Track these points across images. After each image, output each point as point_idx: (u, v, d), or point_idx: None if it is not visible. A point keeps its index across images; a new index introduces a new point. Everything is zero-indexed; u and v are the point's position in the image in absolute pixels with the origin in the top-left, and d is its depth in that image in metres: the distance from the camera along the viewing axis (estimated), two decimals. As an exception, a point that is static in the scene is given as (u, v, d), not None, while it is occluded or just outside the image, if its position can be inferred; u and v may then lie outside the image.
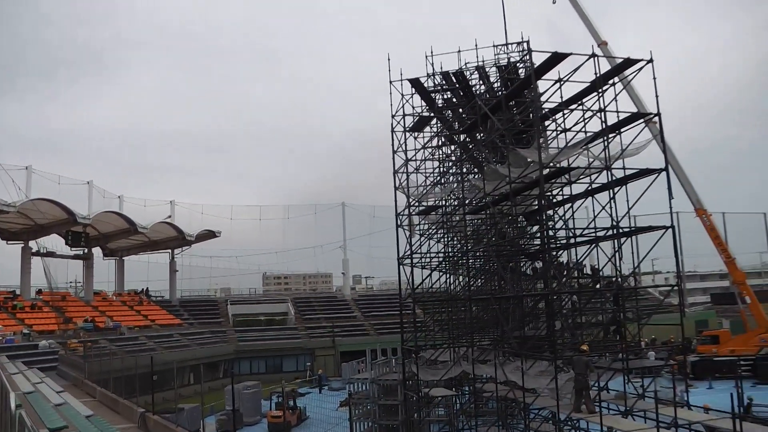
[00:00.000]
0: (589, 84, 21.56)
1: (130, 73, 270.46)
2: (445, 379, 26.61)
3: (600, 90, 21.09)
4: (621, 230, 21.31)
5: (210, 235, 68.93)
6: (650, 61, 20.91)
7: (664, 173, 20.69)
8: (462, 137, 31.14)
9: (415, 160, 30.86)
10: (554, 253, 26.94)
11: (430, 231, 32.96)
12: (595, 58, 20.64)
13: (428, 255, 31.67)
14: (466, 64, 30.87)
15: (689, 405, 22.45)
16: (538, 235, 28.38)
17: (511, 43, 32.10)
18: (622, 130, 22.19)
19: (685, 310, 73.52)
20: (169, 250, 69.86)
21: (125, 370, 28.12)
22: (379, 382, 27.58)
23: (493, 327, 28.96)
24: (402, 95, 29.76)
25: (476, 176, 29.76)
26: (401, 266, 29.51)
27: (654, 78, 20.93)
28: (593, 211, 23.19)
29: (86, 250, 59.63)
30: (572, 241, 25.08)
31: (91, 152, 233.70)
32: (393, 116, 29.83)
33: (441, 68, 30.29)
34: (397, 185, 30.03)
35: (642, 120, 22.31)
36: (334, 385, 51.22)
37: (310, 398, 44.68)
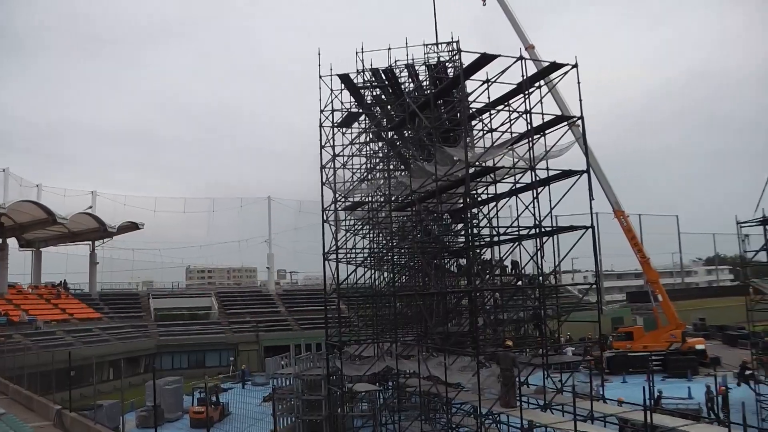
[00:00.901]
0: (515, 86, 21.97)
1: (49, 60, 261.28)
2: (368, 375, 26.71)
3: (526, 92, 21.48)
4: (543, 229, 21.77)
5: (133, 227, 67.15)
6: (575, 66, 21.40)
7: (585, 175, 21.27)
8: (390, 134, 31.28)
9: (343, 155, 30.83)
10: (478, 250, 27.38)
11: (356, 227, 33.03)
12: (523, 60, 20.99)
13: (354, 251, 31.70)
14: (396, 61, 31.06)
15: (605, 398, 23.13)
16: (463, 232, 28.74)
17: (441, 43, 32.47)
18: (546, 131, 22.69)
19: (602, 307, 75.92)
20: (90, 242, 67.69)
21: (41, 366, 27.18)
22: (302, 378, 27.46)
23: (417, 323, 29.22)
24: (331, 90, 29.67)
25: (403, 173, 29.95)
26: (326, 261, 29.44)
27: (578, 82, 21.42)
28: (517, 210, 23.68)
29: (0, 241, 57.35)
30: (496, 239, 25.55)
31: (6, 140, 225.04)
32: (322, 111, 29.71)
33: (371, 65, 30.40)
34: (324, 180, 29.93)
35: (565, 123, 22.84)
36: (257, 380, 50.70)
37: (233, 393, 44.05)
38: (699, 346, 48.61)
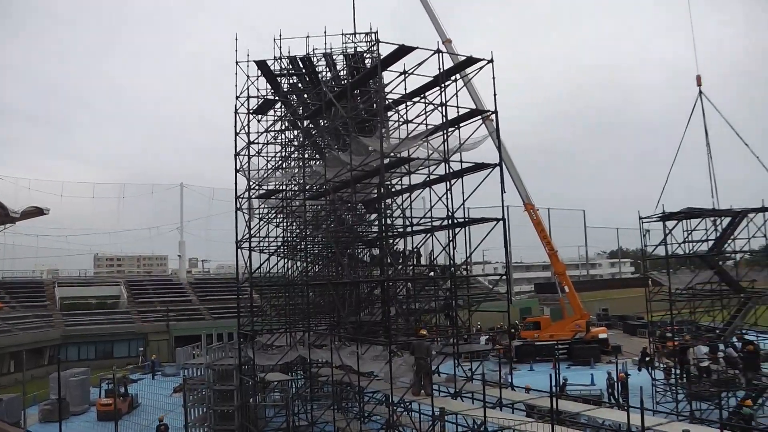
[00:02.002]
0: (432, 78, 22.17)
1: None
2: (281, 364, 26.59)
3: (442, 85, 21.70)
4: (455, 221, 22.10)
5: (37, 212, 64.28)
6: (490, 61, 21.72)
7: (497, 168, 21.69)
8: (306, 123, 31.09)
9: (258, 143, 30.44)
10: (391, 241, 27.59)
11: (270, 215, 32.72)
12: (440, 54, 21.18)
13: (267, 239, 31.43)
14: (314, 50, 30.84)
15: (513, 386, 23.82)
16: (377, 223, 28.89)
17: (360, 33, 32.41)
18: (461, 125, 23.01)
19: (511, 298, 77.79)
20: (-12, 227, 64.66)
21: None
22: (214, 367, 27.03)
23: (330, 312, 29.25)
24: (248, 77, 29.22)
25: (318, 162, 29.84)
26: (239, 250, 29.10)
27: (493, 77, 21.79)
28: (430, 201, 23.96)
29: None
30: (409, 229, 25.80)
31: None
32: (237, 98, 29.24)
33: (289, 53, 30.11)
34: (238, 168, 29.51)
35: (480, 116, 23.21)
36: (167, 370, 49.62)
37: (143, 385, 43.07)
38: (602, 335, 50.55)
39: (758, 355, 28.51)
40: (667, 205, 29.45)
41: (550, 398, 15.92)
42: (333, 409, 23.69)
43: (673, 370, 30.46)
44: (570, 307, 51.83)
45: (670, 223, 30.39)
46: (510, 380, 25.06)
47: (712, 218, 30.81)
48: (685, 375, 29.10)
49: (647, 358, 34.29)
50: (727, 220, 30.32)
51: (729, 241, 30.69)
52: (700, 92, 30.42)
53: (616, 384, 31.09)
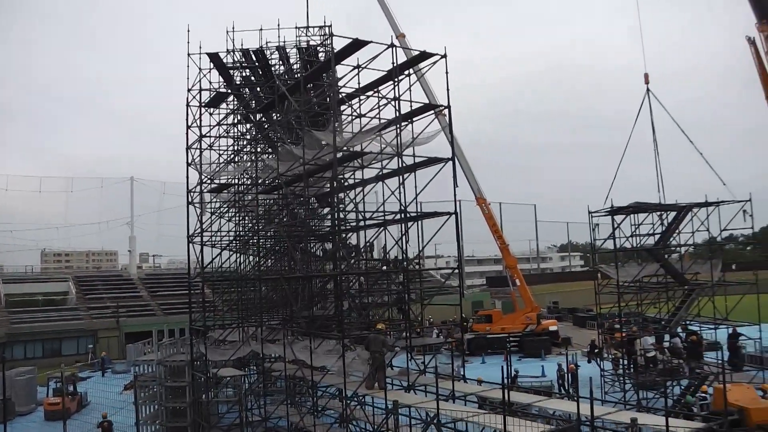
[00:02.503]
0: (385, 73, 22.20)
1: None
2: (233, 359, 26.41)
3: (395, 79, 21.76)
4: (408, 215, 22.21)
5: (-24, 206, 62.70)
6: (444, 56, 21.83)
7: (450, 162, 21.86)
8: (258, 116, 30.88)
9: (210, 136, 30.15)
10: (344, 235, 27.59)
11: (222, 209, 32.43)
12: (393, 48, 21.20)
13: (219, 234, 31.15)
14: (267, 43, 30.63)
15: (465, 378, 24.03)
16: (329, 217, 28.87)
17: (314, 27, 32.26)
18: (414, 119, 23.11)
19: (463, 291, 78.41)
20: (-74, 222, 62.68)
21: None
22: (165, 364, 26.72)
23: (283, 307, 29.15)
24: (200, 69, 28.92)
25: (270, 156, 29.67)
26: (191, 244, 28.80)
27: (446, 72, 21.91)
28: (383, 195, 24.03)
29: None
30: (362, 224, 25.83)
31: None
32: (189, 90, 28.91)
33: (242, 45, 29.86)
34: (189, 161, 29.18)
35: (432, 111, 23.34)
36: (118, 367, 48.73)
37: (92, 383, 42.27)
38: (552, 328, 51.45)
39: (701, 344, 29.36)
40: (617, 200, 30.15)
41: (502, 390, 16.13)
42: (286, 404, 23.57)
43: (620, 360, 31.14)
44: (521, 300, 52.57)
45: (618, 218, 31.06)
46: (462, 373, 25.28)
47: (658, 213, 31.54)
48: (632, 365, 29.78)
49: (596, 350, 34.98)
50: (672, 215, 31.07)
51: (674, 234, 31.48)
52: (648, 90, 31.06)
53: (566, 375, 31.65)
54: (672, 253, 34.00)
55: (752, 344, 33.20)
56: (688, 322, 31.88)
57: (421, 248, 23.23)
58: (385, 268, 26.82)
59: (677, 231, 31.37)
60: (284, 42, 31.06)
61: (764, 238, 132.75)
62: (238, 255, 32.83)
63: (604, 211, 30.31)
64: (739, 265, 58.91)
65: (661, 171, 30.61)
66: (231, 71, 30.28)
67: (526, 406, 19.05)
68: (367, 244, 27.68)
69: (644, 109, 31.79)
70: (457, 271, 24.98)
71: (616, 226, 30.63)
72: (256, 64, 29.70)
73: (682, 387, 27.58)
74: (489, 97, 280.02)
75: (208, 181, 30.16)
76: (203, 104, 29.44)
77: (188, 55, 28.75)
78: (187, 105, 28.91)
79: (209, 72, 29.43)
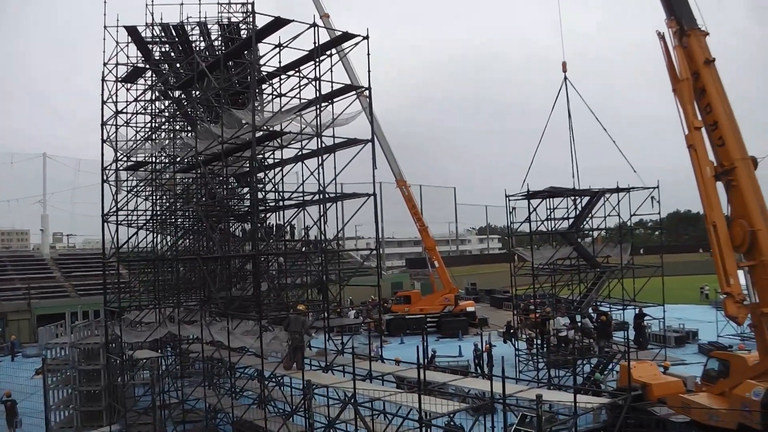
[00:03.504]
0: (307, 53, 22.06)
1: None
2: (150, 341, 25.99)
3: (317, 59, 21.65)
4: (327, 196, 22.22)
5: None
6: (366, 37, 21.81)
7: (369, 144, 21.96)
8: (178, 93, 30.21)
9: (126, 113, 29.32)
10: (263, 215, 27.39)
11: (139, 188, 31.67)
12: (316, 28, 21.06)
13: (135, 213, 30.41)
14: (188, 18, 29.87)
15: (383, 359, 24.34)
16: (248, 196, 28.60)
17: (236, 3, 31.65)
18: (334, 100, 23.07)
19: (382, 272, 79.05)
20: None
21: None
22: (79, 347, 26.03)
23: (201, 287, 28.80)
24: (117, 43, 28.03)
25: (189, 134, 29.13)
26: (106, 224, 28.07)
27: (368, 54, 21.92)
28: (302, 175, 23.97)
29: None
30: (281, 204, 25.69)
31: None
32: (105, 64, 28.04)
33: (162, 20, 29.08)
34: (104, 138, 28.35)
35: (354, 92, 23.35)
36: (29, 351, 47.02)
37: (1, 367, 40.79)
38: (469, 309, 52.40)
39: (610, 324, 30.58)
40: (543, 185, 30.89)
41: (417, 370, 16.43)
42: (204, 386, 23.40)
43: (534, 340, 32.10)
44: (439, 281, 53.35)
45: (534, 202, 31.91)
46: (380, 353, 25.58)
47: (572, 197, 32.54)
48: (545, 345, 30.75)
49: (512, 330, 35.91)
50: (586, 200, 32.12)
51: (587, 219, 32.57)
52: (565, 78, 31.82)
53: (482, 355, 32.39)
54: (585, 237, 35.15)
55: (657, 324, 34.74)
56: (598, 303, 33.08)
57: (339, 229, 23.32)
58: (304, 249, 26.82)
59: (590, 215, 32.47)
60: (206, 18, 30.38)
61: (671, 224, 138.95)
62: (155, 235, 32.17)
63: (521, 195, 31.05)
64: (648, 250, 61.22)
65: (576, 157, 31.46)
66: (150, 46, 29.46)
67: (442, 385, 19.48)
68: (286, 224, 27.59)
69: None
70: (375, 252, 25.16)
71: (532, 209, 31.47)
72: (176, 39, 29.01)
73: (592, 365, 28.69)
74: (413, 81, 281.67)
75: (125, 159, 29.39)
76: (119, 79, 28.60)
77: (104, 27, 27.84)
78: (103, 79, 28.07)
79: (126, 46, 28.59)
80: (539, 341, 31.34)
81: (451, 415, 16.67)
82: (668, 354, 31.59)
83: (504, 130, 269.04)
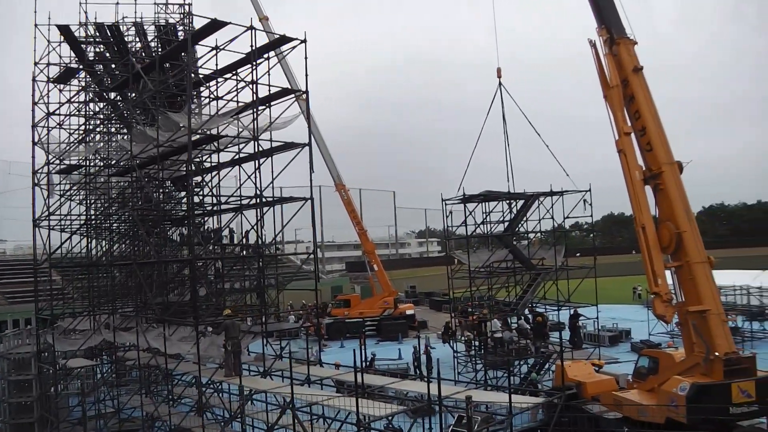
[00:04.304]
0: (244, 56, 21.94)
1: None
2: (84, 349, 25.43)
3: (254, 62, 21.55)
4: (264, 200, 22.15)
5: None
6: (303, 41, 21.85)
7: (307, 148, 21.97)
8: (112, 95, 29.65)
9: (59, 114, 28.64)
10: (200, 219, 27.11)
11: (72, 192, 30.96)
12: (253, 30, 20.95)
13: (69, 217, 29.73)
14: (123, 18, 29.35)
15: (321, 363, 24.36)
16: (185, 200, 28.27)
17: (173, 4, 31.20)
18: (272, 103, 22.99)
19: (322, 276, 78.86)
20: None
21: None
22: (9, 357, 25.29)
23: (137, 293, 28.34)
24: (48, 42, 27.36)
25: (124, 137, 28.63)
26: (37, 229, 27.37)
27: (305, 58, 21.94)
28: (239, 179, 23.82)
29: None
30: (217, 208, 25.48)
31: None
32: (36, 64, 27.35)
33: (96, 19, 28.49)
34: (36, 140, 27.65)
35: (293, 96, 23.28)
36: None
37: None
38: (409, 312, 52.81)
39: (546, 325, 31.25)
40: (487, 188, 31.36)
41: (354, 373, 16.52)
42: (140, 394, 23.00)
43: (473, 342, 32.54)
44: (379, 285, 53.62)
45: (471, 205, 32.37)
46: (319, 357, 25.61)
47: (507, 201, 33.13)
48: (482, 346, 31.21)
49: (450, 332, 36.30)
50: (521, 203, 32.73)
51: (521, 222, 33.21)
52: (500, 83, 32.35)
53: (421, 357, 32.68)
54: (522, 240, 35.80)
55: (591, 324, 35.62)
56: (534, 305, 33.73)
57: (276, 233, 23.28)
58: (244, 253, 26.64)
59: (525, 218, 33.11)
60: (142, 18, 29.91)
61: (606, 226, 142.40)
62: (89, 240, 31.49)
63: (457, 199, 31.47)
64: (583, 252, 62.76)
65: (511, 161, 32.01)
66: (84, 46, 28.85)
67: (380, 388, 19.62)
68: (222, 228, 27.35)
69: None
70: (312, 256, 25.13)
71: (468, 213, 31.92)
72: (111, 39, 28.47)
73: (529, 365, 29.27)
74: (357, 85, 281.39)
75: (57, 162, 28.72)
76: (51, 79, 27.93)
77: (35, 26, 27.17)
78: (34, 80, 27.44)
79: (59, 45, 27.93)
80: (477, 343, 31.79)
81: (390, 418, 16.82)
82: (602, 353, 32.42)
83: (450, 131, 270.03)
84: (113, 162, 26.75)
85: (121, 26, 28.63)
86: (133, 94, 27.02)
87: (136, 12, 29.69)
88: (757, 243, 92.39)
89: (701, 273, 20.12)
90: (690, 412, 18.29)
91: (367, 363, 30.92)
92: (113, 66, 29.14)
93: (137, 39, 30.01)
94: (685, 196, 20.93)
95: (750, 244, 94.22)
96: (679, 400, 18.88)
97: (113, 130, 29.06)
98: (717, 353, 19.01)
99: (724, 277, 41.22)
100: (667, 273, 20.94)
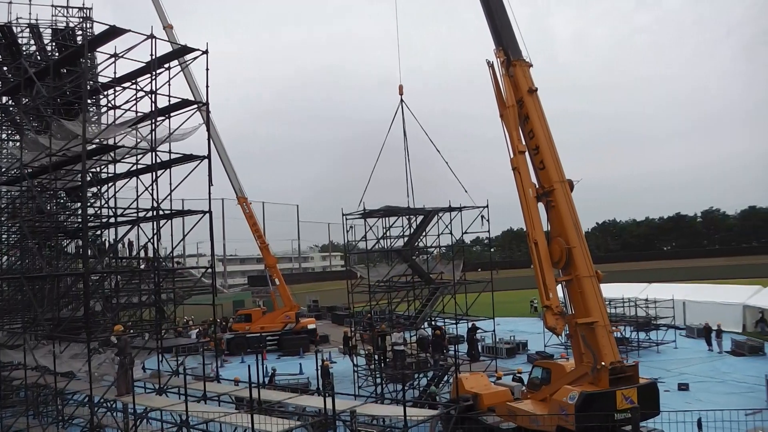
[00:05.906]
0: (144, 64, 21.49)
1: None
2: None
3: (154, 72, 21.15)
4: (162, 212, 21.71)
5: None
6: (205, 52, 21.62)
7: (207, 160, 21.71)
8: (4, 99, 28.40)
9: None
10: (96, 232, 26.27)
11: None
12: (153, 39, 20.57)
13: (-48, 228, 28.25)
14: (18, 19, 28.26)
15: (219, 379, 24.03)
16: (80, 212, 27.31)
17: (73, 7, 30.21)
18: (171, 114, 22.59)
19: (224, 290, 77.53)
20: None
21: None
22: None
23: (26, 309, 27.10)
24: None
25: (15, 144, 27.47)
26: None
27: (207, 69, 21.76)
28: (137, 191, 23.26)
29: None
30: (113, 220, 24.78)
31: None
32: None
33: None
34: None
35: (195, 107, 22.94)
36: None
37: None
38: (311, 326, 52.69)
39: (444, 338, 31.84)
40: (390, 202, 31.66)
41: (250, 389, 16.42)
42: (27, 416, 22.01)
43: (372, 356, 32.76)
44: (281, 299, 53.29)
45: (372, 220, 32.70)
46: (217, 373, 25.25)
47: (407, 216, 33.62)
48: (383, 360, 31.46)
49: (350, 344, 36.41)
50: (421, 218, 33.27)
51: (421, 237, 33.76)
52: (402, 100, 32.81)
53: (318, 371, 32.67)
54: (423, 254, 36.32)
55: (489, 336, 36.49)
56: (433, 318, 34.26)
57: (174, 246, 22.86)
58: (143, 266, 26.00)
59: (424, 233, 33.67)
60: (37, 20, 28.82)
61: (505, 241, 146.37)
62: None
63: (357, 213, 31.71)
64: (484, 266, 64.32)
65: (411, 176, 32.46)
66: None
67: (279, 403, 19.55)
68: (118, 241, 26.59)
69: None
70: (210, 270, 24.71)
71: (368, 228, 32.26)
72: (3, 41, 27.30)
73: (429, 378, 29.70)
74: (265, 96, 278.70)
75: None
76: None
77: None
78: None
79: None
80: (377, 357, 32.03)
81: (287, 433, 16.77)
82: (500, 365, 33.23)
83: (352, 145, 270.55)
84: (3, 170, 25.58)
85: (14, 27, 27.54)
86: (26, 100, 26.02)
87: (30, 13, 28.66)
88: (645, 257, 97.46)
89: (589, 287, 21.00)
90: (579, 420, 19.02)
91: (268, 378, 30.65)
92: (5, 69, 27.96)
93: (32, 41, 28.90)
94: (575, 212, 21.82)
95: (638, 258, 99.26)
96: (568, 408, 19.58)
97: (4, 136, 27.78)
98: (603, 363, 19.86)
99: (613, 290, 43.47)
100: (558, 287, 21.77)
